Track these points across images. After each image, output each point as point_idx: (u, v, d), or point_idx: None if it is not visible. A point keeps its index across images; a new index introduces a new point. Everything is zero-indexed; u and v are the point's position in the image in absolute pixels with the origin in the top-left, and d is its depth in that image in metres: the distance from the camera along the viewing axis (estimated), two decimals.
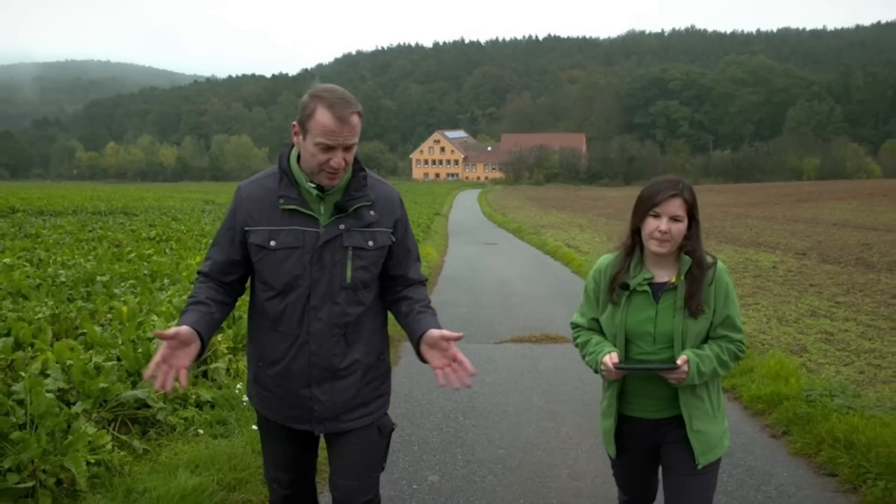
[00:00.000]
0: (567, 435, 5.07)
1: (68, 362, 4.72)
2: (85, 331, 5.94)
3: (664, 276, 2.61)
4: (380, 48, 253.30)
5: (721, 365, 2.58)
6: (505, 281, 13.55)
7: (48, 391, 4.08)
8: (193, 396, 4.93)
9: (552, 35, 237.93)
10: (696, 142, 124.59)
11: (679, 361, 2.49)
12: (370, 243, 2.47)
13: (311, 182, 2.41)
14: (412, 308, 2.56)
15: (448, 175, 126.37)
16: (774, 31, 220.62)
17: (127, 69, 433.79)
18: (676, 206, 2.49)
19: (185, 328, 2.25)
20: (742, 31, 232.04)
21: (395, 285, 2.65)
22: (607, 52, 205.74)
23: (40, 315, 6.45)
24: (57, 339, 5.61)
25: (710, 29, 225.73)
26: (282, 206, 2.40)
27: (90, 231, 20.47)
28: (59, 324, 6.18)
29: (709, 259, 2.58)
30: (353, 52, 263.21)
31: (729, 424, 5.17)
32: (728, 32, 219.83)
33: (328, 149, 2.30)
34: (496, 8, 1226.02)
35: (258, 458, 4.24)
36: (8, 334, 5.59)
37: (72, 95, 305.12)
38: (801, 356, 7.13)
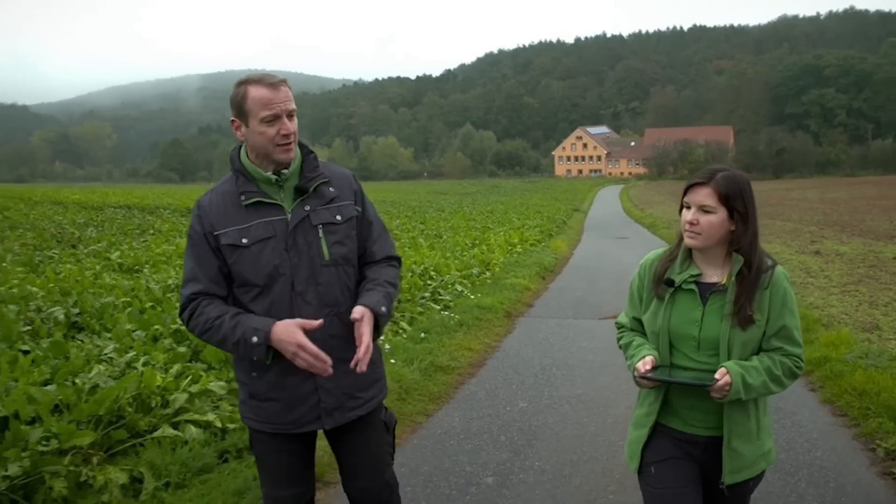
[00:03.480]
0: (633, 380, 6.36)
1: None
2: None
3: (714, 275, 2.42)
4: (521, 46, 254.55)
5: (773, 381, 2.34)
6: (625, 270, 14.59)
7: None
8: None
9: (698, 25, 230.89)
10: (854, 131, 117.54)
11: (717, 375, 2.27)
12: (338, 217, 2.56)
13: (266, 172, 2.50)
14: (364, 286, 2.61)
15: (591, 171, 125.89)
16: None
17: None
18: (704, 196, 2.34)
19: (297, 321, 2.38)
20: None
21: (363, 265, 2.70)
22: (756, 40, 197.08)
23: None
24: None
25: (871, 9, 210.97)
26: (244, 202, 2.47)
27: None
28: None
29: (767, 262, 2.39)
30: (495, 52, 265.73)
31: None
32: (893, 11, 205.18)
33: (274, 119, 2.40)
34: (640, 0, 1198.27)
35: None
36: None
37: None
38: (872, 332, 7.98)
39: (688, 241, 2.38)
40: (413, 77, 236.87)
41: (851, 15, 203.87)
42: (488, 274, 12.62)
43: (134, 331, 6.28)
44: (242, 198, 2.47)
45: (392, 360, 6.44)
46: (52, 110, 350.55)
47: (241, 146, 2.58)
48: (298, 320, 2.36)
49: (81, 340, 6.24)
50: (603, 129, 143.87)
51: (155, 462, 3.96)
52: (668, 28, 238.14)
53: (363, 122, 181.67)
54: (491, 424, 5.36)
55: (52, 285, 8.96)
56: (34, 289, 8.56)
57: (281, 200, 2.50)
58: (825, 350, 6.86)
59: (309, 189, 2.52)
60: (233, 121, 2.49)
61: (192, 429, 4.35)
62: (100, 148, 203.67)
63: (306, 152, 2.58)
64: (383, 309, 2.50)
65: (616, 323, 2.73)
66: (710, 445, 2.45)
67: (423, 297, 9.65)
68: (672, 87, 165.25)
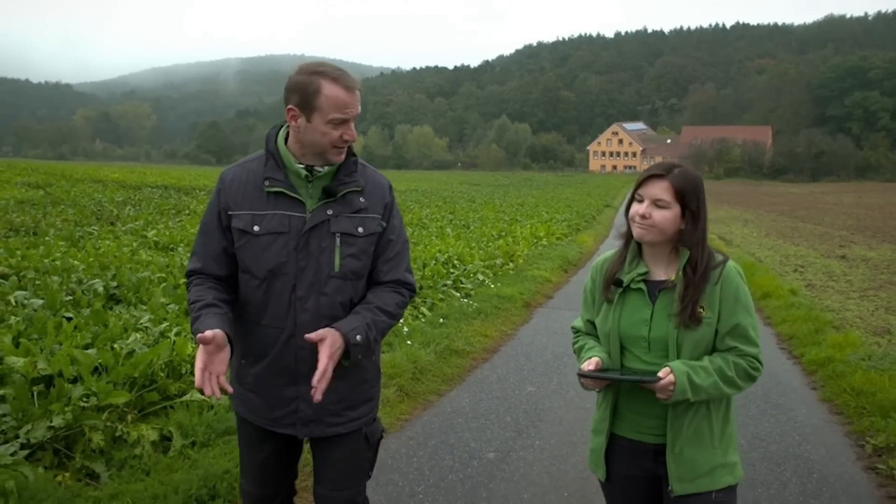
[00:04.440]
0: None
1: None
2: None
3: (662, 273, 2.34)
4: (561, 39, 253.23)
5: (726, 382, 2.23)
6: None
7: None
8: None
9: (741, 22, 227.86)
10: None
11: (661, 373, 2.17)
12: (360, 230, 2.38)
13: (300, 163, 2.35)
14: (357, 306, 2.41)
15: (625, 167, 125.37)
16: None
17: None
18: (660, 189, 2.25)
19: (220, 332, 2.12)
20: None
21: (368, 282, 2.51)
22: (801, 40, 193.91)
23: None
24: None
25: None
26: (267, 188, 2.32)
27: None
28: None
29: (717, 257, 2.31)
30: (534, 44, 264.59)
31: (785, 379, 6.57)
32: None
33: (342, 123, 2.26)
34: None
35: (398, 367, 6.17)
36: None
37: (269, 87, 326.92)
38: (882, 336, 8.13)
39: (637, 232, 2.30)
40: (451, 67, 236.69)
41: None
42: (511, 265, 12.89)
43: (168, 304, 6.71)
44: (266, 183, 2.32)
45: (409, 342, 6.76)
46: (94, 89, 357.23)
47: (281, 126, 2.42)
48: (219, 333, 2.12)
49: (119, 311, 6.65)
50: (639, 125, 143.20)
51: (183, 423, 4.32)
52: (710, 25, 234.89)
53: (399, 110, 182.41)
54: (498, 406, 5.66)
55: (91, 259, 9.44)
56: (75, 262, 9.04)
57: (305, 197, 2.34)
58: (830, 351, 7.05)
59: (337, 194, 2.35)
60: (290, 108, 2.27)
61: None
62: (139, 128, 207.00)
63: (348, 154, 2.39)
64: (358, 338, 2.27)
65: (572, 327, 2.66)
66: (659, 453, 2.33)
67: (445, 285, 9.95)
68: (712, 85, 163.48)
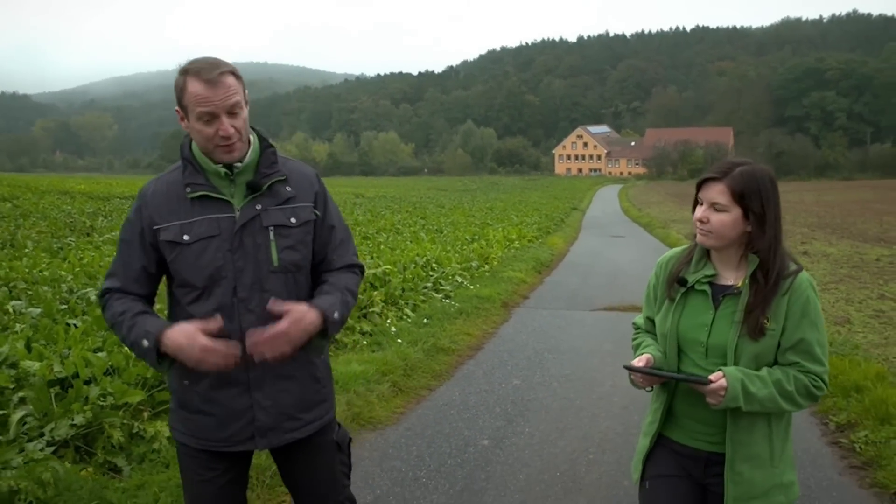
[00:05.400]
0: (618, 364, 6.97)
1: None
2: None
3: (730, 277, 2.25)
4: (524, 44, 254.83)
5: (784, 397, 2.11)
6: (617, 266, 15.23)
7: None
8: (357, 327, 7.26)
9: (701, 26, 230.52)
10: (854, 135, 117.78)
11: (712, 377, 2.08)
12: (292, 220, 2.32)
13: (216, 165, 2.26)
14: (320, 289, 2.38)
15: (590, 170, 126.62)
16: None
17: (282, 70, 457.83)
18: (716, 192, 2.16)
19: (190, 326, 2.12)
20: None
21: (320, 273, 2.46)
22: (759, 42, 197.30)
23: None
24: None
25: (874, 13, 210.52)
26: (189, 194, 2.24)
27: None
28: None
29: (791, 266, 2.19)
30: (498, 49, 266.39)
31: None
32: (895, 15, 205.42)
33: (211, 118, 2.15)
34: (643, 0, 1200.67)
35: (401, 360, 6.46)
36: None
37: None
38: (843, 326, 8.59)
39: (699, 238, 2.23)
40: (415, 73, 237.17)
41: (854, 18, 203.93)
42: (487, 267, 13.22)
43: (164, 309, 6.91)
44: (188, 190, 2.24)
45: (399, 341, 7.07)
46: (54, 99, 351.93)
47: None
48: (197, 323, 2.11)
49: None
50: (604, 128, 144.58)
51: None
52: (670, 28, 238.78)
53: (364, 116, 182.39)
54: (487, 398, 5.98)
55: (77, 269, 9.58)
56: (62, 272, 9.19)
57: (230, 196, 2.27)
58: None
59: (262, 186, 2.28)
60: (177, 111, 2.23)
61: None
62: (100, 138, 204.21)
63: (265, 146, 2.34)
64: (336, 315, 2.27)
65: (633, 323, 2.60)
66: (713, 462, 2.27)
67: (426, 287, 10.25)
68: (673, 88, 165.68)
